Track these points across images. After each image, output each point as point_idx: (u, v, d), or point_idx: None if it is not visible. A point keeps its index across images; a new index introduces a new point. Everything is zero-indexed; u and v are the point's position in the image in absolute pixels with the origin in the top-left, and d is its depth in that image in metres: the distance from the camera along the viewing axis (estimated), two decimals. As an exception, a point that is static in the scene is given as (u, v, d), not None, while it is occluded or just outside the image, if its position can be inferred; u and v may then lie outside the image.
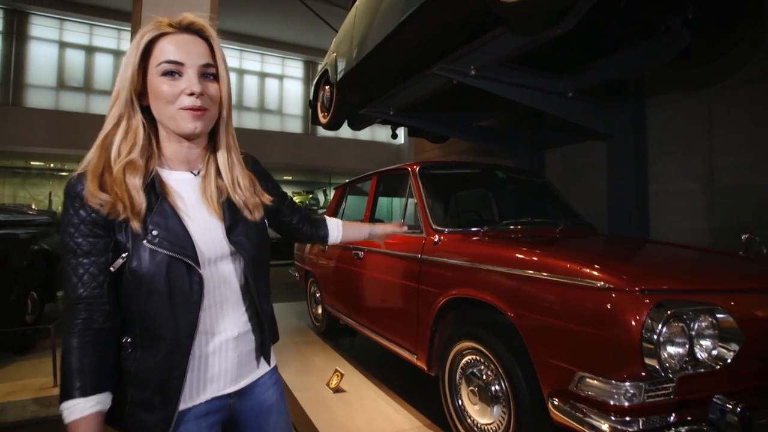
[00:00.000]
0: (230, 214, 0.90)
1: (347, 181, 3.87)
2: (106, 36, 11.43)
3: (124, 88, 0.81)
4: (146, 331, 0.80)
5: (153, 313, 0.79)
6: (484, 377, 1.91)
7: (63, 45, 11.05)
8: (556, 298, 1.54)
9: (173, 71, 0.80)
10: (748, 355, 1.44)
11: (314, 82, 5.01)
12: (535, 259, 1.68)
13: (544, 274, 1.59)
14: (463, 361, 2.03)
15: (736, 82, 3.02)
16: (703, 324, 1.36)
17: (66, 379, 0.75)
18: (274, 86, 13.96)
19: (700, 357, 1.35)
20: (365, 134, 13.61)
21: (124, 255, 0.78)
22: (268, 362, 1.00)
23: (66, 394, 0.74)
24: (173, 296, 0.79)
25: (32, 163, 11.51)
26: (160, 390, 0.80)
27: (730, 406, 1.31)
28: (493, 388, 1.86)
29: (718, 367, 1.36)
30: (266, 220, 1.00)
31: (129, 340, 0.82)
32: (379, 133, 13.70)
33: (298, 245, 4.52)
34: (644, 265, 1.76)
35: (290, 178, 14.98)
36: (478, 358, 1.95)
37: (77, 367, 0.75)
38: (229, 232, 0.89)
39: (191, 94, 0.80)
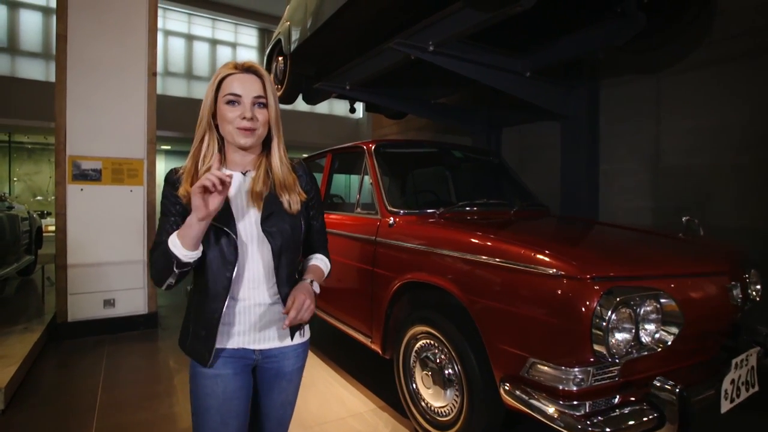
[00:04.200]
0: (268, 206, 1.11)
1: (304, 156, 3.73)
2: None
3: (205, 114, 1.10)
4: (200, 279, 1.10)
5: (204, 265, 1.07)
6: (438, 361, 1.90)
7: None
8: (509, 283, 1.53)
9: (234, 101, 1.07)
10: (685, 336, 1.50)
11: (267, 51, 4.75)
12: (488, 244, 1.66)
13: (497, 259, 1.58)
14: (418, 345, 2.02)
15: (683, 68, 3.10)
16: (649, 309, 1.39)
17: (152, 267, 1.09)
18: (226, 54, 13.24)
19: (644, 341, 1.38)
20: (323, 108, 13.21)
21: None
22: (292, 337, 1.17)
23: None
24: (216, 254, 1.07)
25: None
26: (205, 326, 1.08)
27: (669, 387, 1.35)
28: (446, 372, 1.86)
29: (660, 349, 1.41)
30: (302, 217, 1.17)
31: (191, 288, 1.16)
32: (337, 106, 13.35)
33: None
34: (594, 251, 1.77)
35: (245, 151, 14.41)
36: (432, 342, 1.94)
37: (156, 264, 1.08)
38: (264, 221, 1.10)
39: (244, 118, 1.06)
